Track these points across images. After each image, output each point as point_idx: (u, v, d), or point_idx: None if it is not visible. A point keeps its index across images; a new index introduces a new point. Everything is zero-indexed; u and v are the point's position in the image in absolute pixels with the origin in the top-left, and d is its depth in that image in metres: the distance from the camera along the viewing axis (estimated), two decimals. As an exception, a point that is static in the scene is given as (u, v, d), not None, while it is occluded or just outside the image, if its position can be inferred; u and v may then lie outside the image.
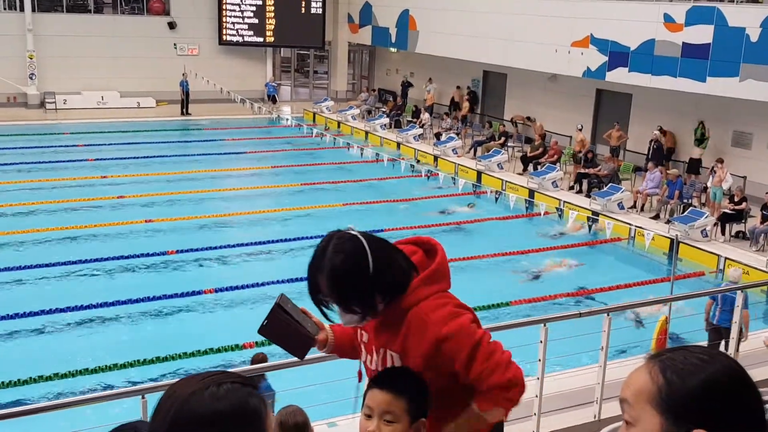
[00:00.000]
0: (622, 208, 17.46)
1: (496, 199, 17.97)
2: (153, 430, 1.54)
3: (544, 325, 7.00)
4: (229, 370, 1.70)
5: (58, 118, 27.29)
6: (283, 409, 4.31)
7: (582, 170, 19.66)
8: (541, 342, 7.10)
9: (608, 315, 7.25)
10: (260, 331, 2.56)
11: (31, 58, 28.14)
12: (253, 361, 7.11)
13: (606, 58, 20.32)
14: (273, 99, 30.37)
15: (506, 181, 19.93)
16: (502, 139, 22.90)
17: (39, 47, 28.26)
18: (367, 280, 2.34)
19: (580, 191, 19.33)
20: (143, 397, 4.61)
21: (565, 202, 17.94)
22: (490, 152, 21.97)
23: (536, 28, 22.18)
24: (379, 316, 2.47)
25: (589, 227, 17.08)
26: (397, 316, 2.46)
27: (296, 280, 13.17)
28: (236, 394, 1.53)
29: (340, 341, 2.79)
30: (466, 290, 11.40)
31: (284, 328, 2.57)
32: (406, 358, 2.47)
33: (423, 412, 2.33)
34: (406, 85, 29.91)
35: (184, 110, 28.65)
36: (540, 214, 16.97)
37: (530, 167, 21.01)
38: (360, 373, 2.70)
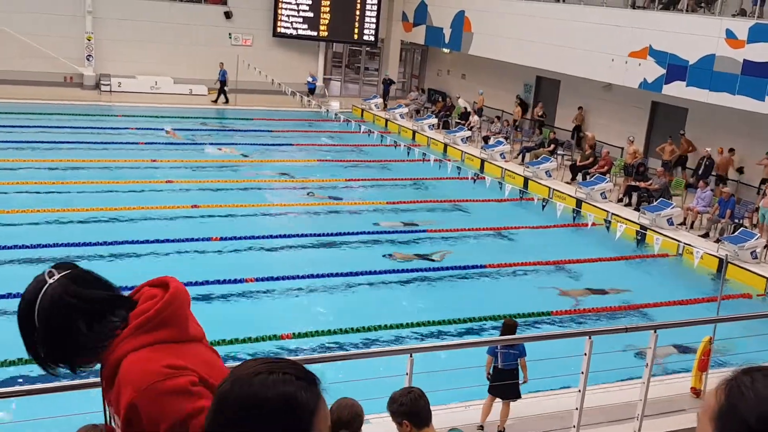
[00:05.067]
0: (672, 224, 17.09)
1: (543, 206, 17.72)
2: (211, 407, 1.58)
3: (589, 338, 6.86)
4: (291, 359, 1.64)
5: (112, 100, 27.75)
6: (338, 401, 4.24)
7: (632, 183, 19.30)
8: (585, 354, 6.97)
9: (655, 332, 7.08)
10: None
11: (89, 40, 28.65)
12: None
13: (664, 71, 19.92)
14: (311, 92, 30.43)
15: (554, 189, 19.68)
16: (552, 146, 22.61)
17: (97, 29, 28.76)
18: (31, 327, 2.00)
19: (629, 204, 18.98)
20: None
21: (613, 214, 17.63)
22: (538, 159, 21.72)
23: (594, 36, 21.85)
24: (101, 370, 2.12)
25: (637, 241, 16.76)
26: (111, 372, 2.07)
27: (335, 275, 13.20)
28: (286, 384, 1.51)
29: None
30: (508, 297, 11.34)
31: None
32: (120, 419, 2.06)
33: None
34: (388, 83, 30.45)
35: (222, 99, 28.77)
36: (587, 225, 16.68)
37: (579, 176, 20.71)
38: None
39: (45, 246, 13.07)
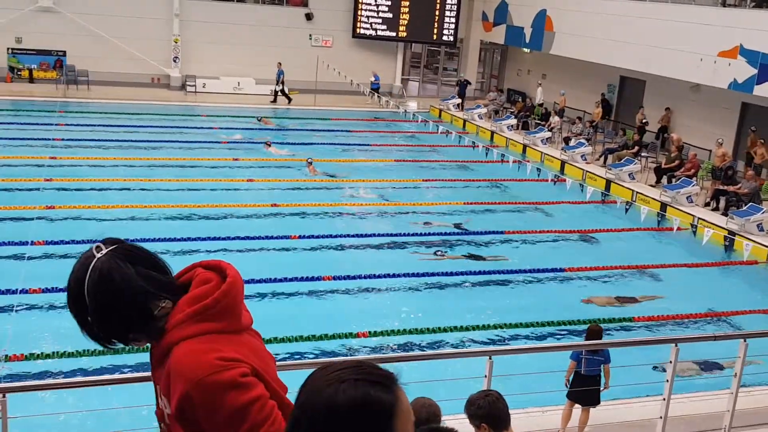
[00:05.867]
0: (762, 229, 16.36)
1: (626, 210, 17.25)
2: (288, 421, 1.62)
3: (675, 345, 6.64)
4: (366, 361, 1.62)
5: (196, 100, 28.51)
6: (415, 400, 4.19)
7: (720, 187, 18.57)
8: (671, 362, 6.74)
9: (744, 341, 6.78)
10: None
11: (176, 42, 29.53)
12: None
13: (755, 71, 19.10)
14: (374, 92, 30.47)
15: (637, 192, 19.14)
16: (636, 147, 21.99)
17: (184, 32, 29.61)
18: (83, 304, 2.02)
19: (716, 209, 18.27)
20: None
21: (699, 218, 17.01)
22: (621, 161, 21.16)
23: (681, 35, 21.14)
24: (151, 349, 2.14)
25: (725, 247, 16.12)
26: (162, 354, 2.09)
27: (411, 275, 13.18)
28: (358, 390, 1.51)
29: None
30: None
31: None
32: (170, 404, 2.07)
33: None
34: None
35: (284, 99, 29.09)
36: (672, 230, 16.16)
37: (664, 179, 20.06)
38: None
39: (127, 241, 13.48)
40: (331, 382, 1.52)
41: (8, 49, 28.18)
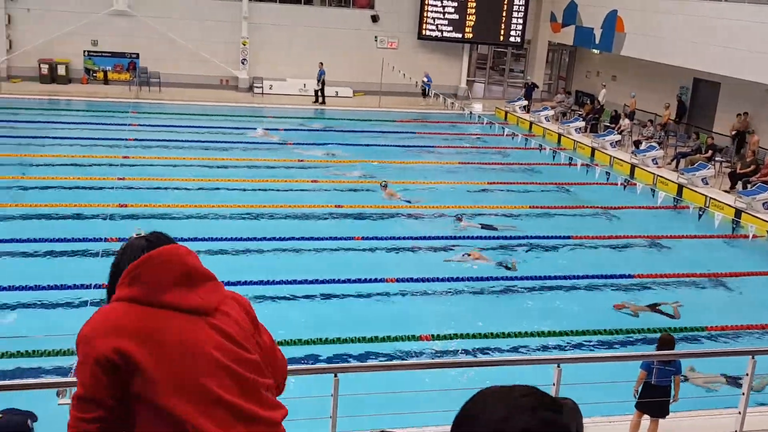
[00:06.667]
0: None
1: (699, 216, 16.72)
2: None
3: (752, 358, 6.41)
4: (530, 389, 1.55)
5: (263, 102, 28.92)
6: None
7: (800, 193, 17.82)
8: (747, 375, 6.49)
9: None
10: None
11: (244, 45, 30.02)
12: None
13: (840, 72, 18.27)
14: (424, 93, 30.25)
15: (711, 198, 18.52)
16: (710, 152, 21.30)
17: (252, 34, 30.08)
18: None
19: (795, 216, 17.54)
20: (336, 376, 4.63)
21: (777, 225, 16.37)
22: (694, 165, 20.52)
23: (759, 36, 20.36)
24: None
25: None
26: None
27: (475, 279, 13.04)
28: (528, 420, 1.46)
29: None
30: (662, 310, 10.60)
31: None
32: None
33: None
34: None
35: (320, 99, 29.14)
36: (747, 237, 15.57)
37: (739, 185, 19.37)
38: None
39: (195, 239, 13.74)
40: (519, 411, 1.47)
41: (85, 51, 29.15)
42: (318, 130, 24.94)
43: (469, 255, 14.08)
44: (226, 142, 22.07)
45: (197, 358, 2.08)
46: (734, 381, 9.45)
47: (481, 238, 15.28)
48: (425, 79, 30.15)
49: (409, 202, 17.56)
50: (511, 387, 1.54)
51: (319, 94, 29.20)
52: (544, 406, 1.48)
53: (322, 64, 29.08)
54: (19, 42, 28.52)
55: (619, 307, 12.33)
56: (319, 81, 29.14)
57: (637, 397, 7.92)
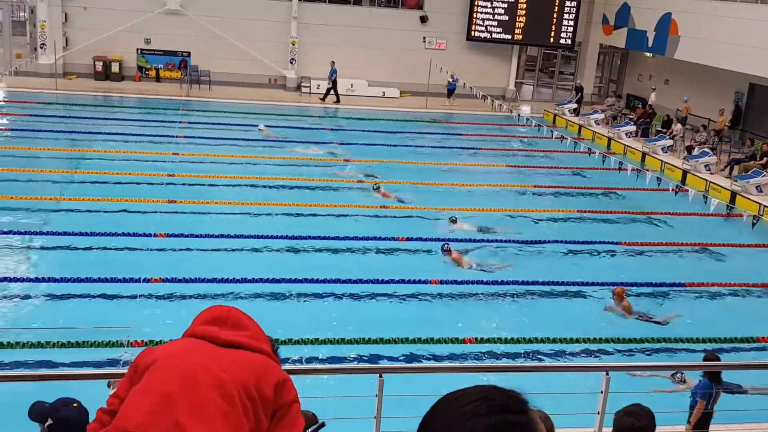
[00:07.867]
0: None
1: (754, 224, 16.27)
2: None
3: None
4: (493, 388, 1.52)
5: (311, 101, 29.09)
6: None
7: None
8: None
9: None
10: None
11: (293, 44, 30.23)
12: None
13: None
14: (450, 94, 29.94)
15: (765, 206, 18.02)
16: (765, 159, 20.73)
17: (301, 34, 30.27)
18: None
19: None
20: (381, 376, 4.59)
21: (835, 236, 15.85)
22: (748, 172, 19.99)
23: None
24: None
25: None
26: None
27: (521, 283, 12.89)
28: (496, 417, 1.45)
29: None
30: (708, 319, 10.47)
31: None
32: None
33: None
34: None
35: (335, 99, 29.04)
36: (803, 246, 15.13)
37: (795, 193, 18.82)
38: None
39: (241, 237, 13.87)
40: (467, 418, 1.45)
41: (138, 49, 29.68)
42: (364, 130, 24.89)
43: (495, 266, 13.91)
44: (273, 140, 22.23)
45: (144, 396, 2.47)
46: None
47: (530, 243, 15.08)
48: (451, 80, 29.87)
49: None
50: (463, 391, 1.52)
51: (332, 92, 29.19)
52: (496, 410, 1.45)
53: (333, 63, 29.12)
54: (75, 39, 29.18)
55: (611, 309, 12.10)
56: (330, 79, 29.18)
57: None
